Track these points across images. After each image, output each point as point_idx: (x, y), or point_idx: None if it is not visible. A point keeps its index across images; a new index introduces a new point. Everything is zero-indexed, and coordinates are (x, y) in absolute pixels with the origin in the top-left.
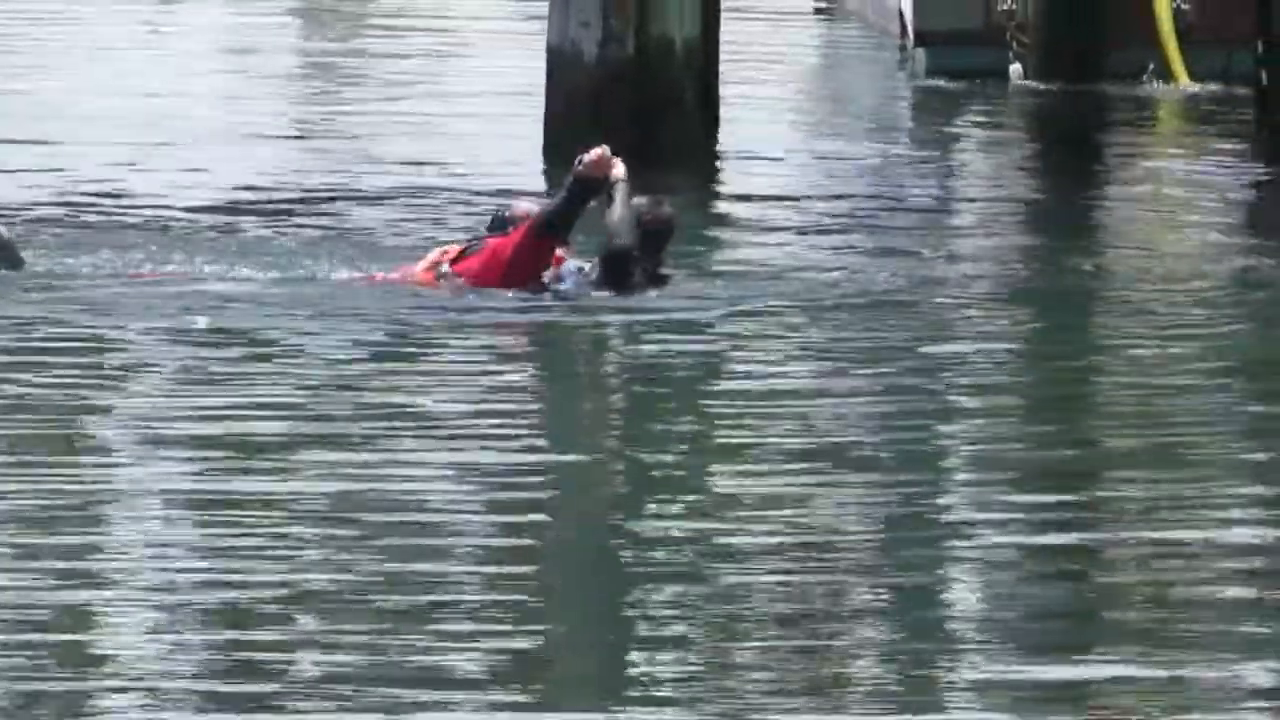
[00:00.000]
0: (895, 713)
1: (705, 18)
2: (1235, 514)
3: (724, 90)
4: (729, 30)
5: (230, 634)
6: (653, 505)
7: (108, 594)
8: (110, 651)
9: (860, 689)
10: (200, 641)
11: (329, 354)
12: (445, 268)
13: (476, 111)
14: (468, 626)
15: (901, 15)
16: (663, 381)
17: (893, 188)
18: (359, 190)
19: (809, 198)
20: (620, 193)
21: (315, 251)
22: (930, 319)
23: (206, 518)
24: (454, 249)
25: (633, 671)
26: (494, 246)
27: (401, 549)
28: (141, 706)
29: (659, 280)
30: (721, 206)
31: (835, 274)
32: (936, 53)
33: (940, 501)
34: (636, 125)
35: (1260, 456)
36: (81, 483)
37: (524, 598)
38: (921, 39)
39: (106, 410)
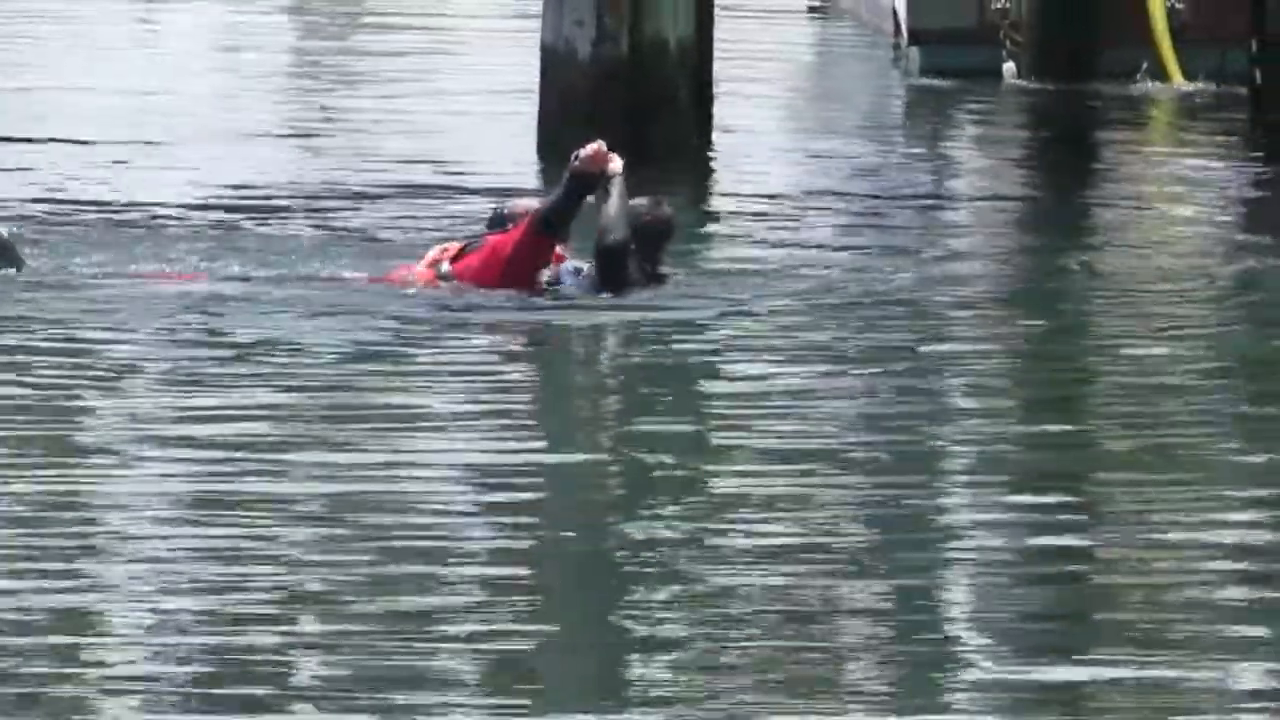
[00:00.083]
0: (892, 714)
1: (699, 16)
2: (1232, 516)
3: (718, 89)
4: (723, 29)
5: (226, 636)
6: (650, 506)
7: (103, 596)
8: (105, 653)
9: (857, 690)
10: (196, 644)
11: (328, 354)
12: (445, 266)
13: (470, 110)
14: (465, 628)
15: (895, 14)
16: (660, 382)
17: (887, 187)
18: (355, 189)
19: (803, 197)
20: (616, 188)
21: (314, 250)
22: (924, 319)
23: (203, 519)
24: (454, 247)
25: (630, 674)
26: (494, 244)
27: (399, 550)
28: (136, 709)
29: (658, 280)
30: (715, 205)
31: (830, 273)
32: (930, 51)
33: (936, 503)
34: (630, 124)
35: (1256, 458)
36: (77, 484)
37: (521, 599)
38: (915, 37)
39: (103, 411)
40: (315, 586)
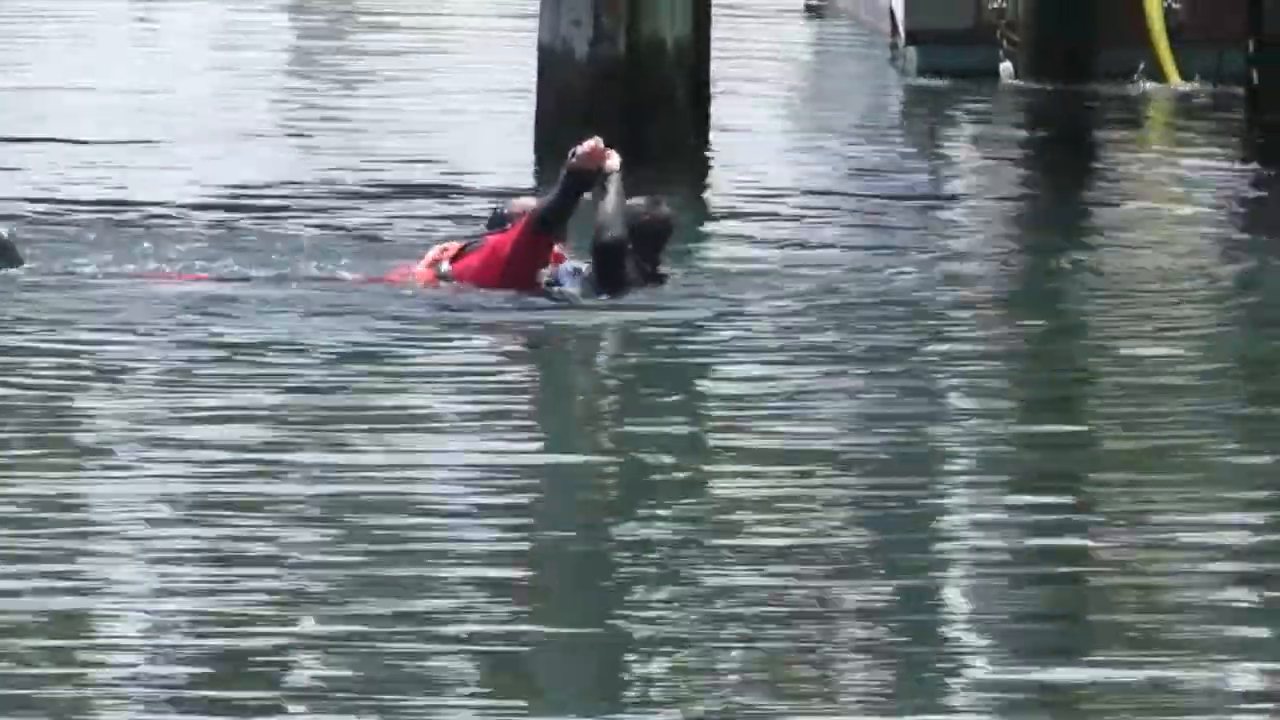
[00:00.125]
0: (890, 715)
1: (696, 16)
2: (1230, 516)
3: (715, 89)
4: (720, 29)
5: (223, 638)
6: (649, 507)
7: (99, 597)
8: (102, 655)
9: (855, 691)
10: (193, 646)
11: (327, 354)
12: (445, 266)
13: (468, 109)
14: (462, 629)
15: (892, 14)
16: (658, 382)
17: (884, 187)
18: (353, 189)
19: (800, 197)
20: (613, 185)
21: (312, 250)
22: (922, 319)
23: (200, 520)
24: (453, 247)
25: (629, 675)
26: (493, 244)
27: (398, 552)
28: (132, 711)
29: (657, 280)
30: (712, 205)
31: (827, 274)
32: (927, 51)
33: (935, 503)
34: (627, 124)
35: (1255, 459)
36: (72, 485)
37: (519, 600)
38: (912, 38)
39: (101, 411)
40: (313, 588)
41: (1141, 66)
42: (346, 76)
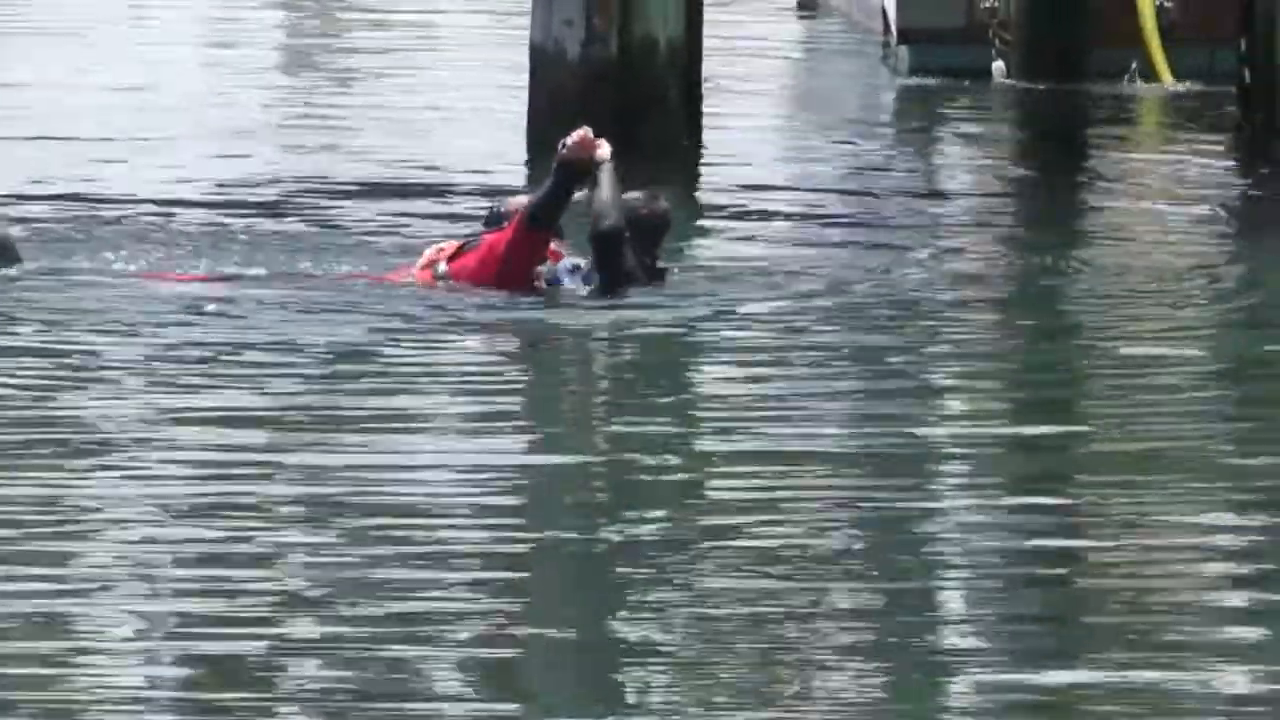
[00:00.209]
0: (880, 718)
1: (688, 16)
2: (1226, 518)
3: (707, 89)
4: (712, 28)
5: (215, 641)
6: (643, 509)
7: (89, 599)
8: (91, 658)
9: (847, 694)
10: (184, 649)
11: (323, 355)
12: (442, 266)
13: (460, 107)
14: (456, 632)
15: (884, 13)
16: (652, 382)
17: (876, 186)
18: (346, 188)
19: (793, 196)
20: (606, 175)
21: (308, 250)
22: (915, 319)
23: (194, 522)
24: (450, 247)
25: (623, 678)
26: (490, 243)
27: (391, 555)
28: (121, 716)
29: (656, 273)
30: (705, 205)
31: (819, 273)
32: (919, 50)
33: (930, 505)
34: (620, 124)
35: (1250, 460)
36: (64, 486)
37: (513, 603)
38: (904, 36)
39: (93, 411)
40: (305, 590)
41: (1134, 66)
42: (338, 74)
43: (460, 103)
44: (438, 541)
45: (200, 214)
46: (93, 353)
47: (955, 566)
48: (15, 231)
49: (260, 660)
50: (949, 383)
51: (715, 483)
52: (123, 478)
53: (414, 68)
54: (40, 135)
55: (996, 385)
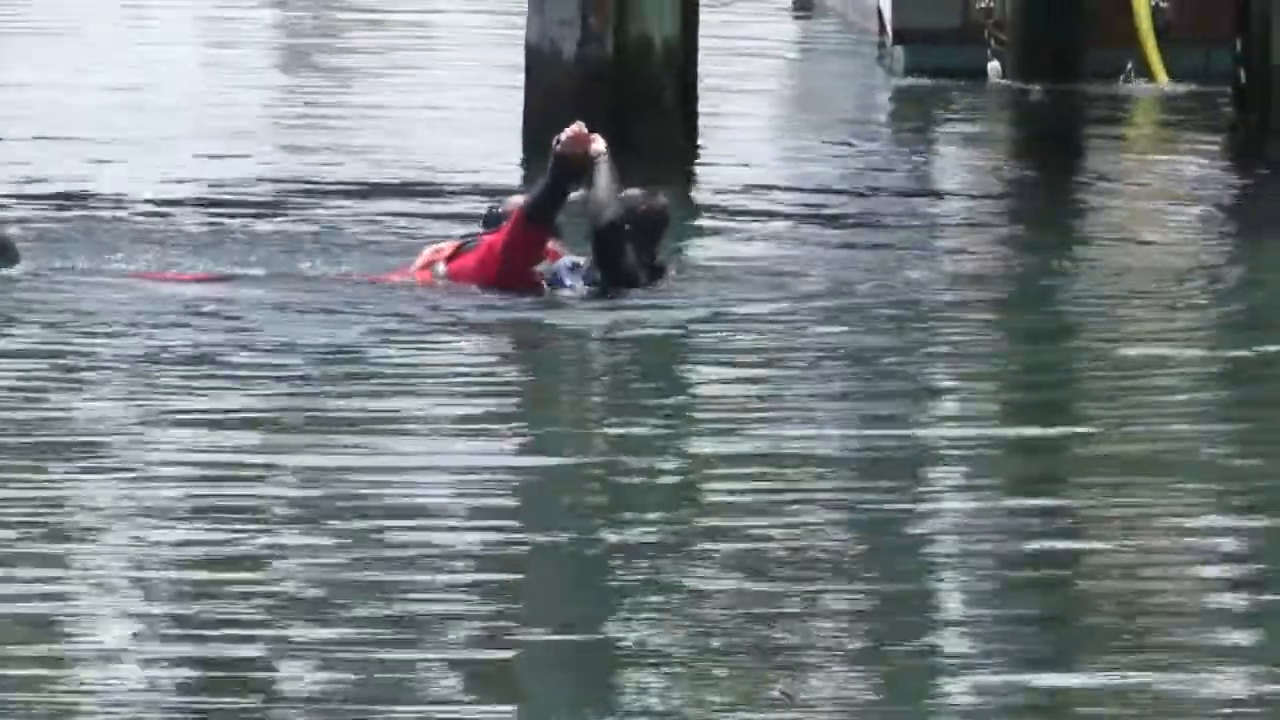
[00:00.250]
0: None
1: (684, 16)
2: (1221, 521)
3: (703, 89)
4: (708, 28)
5: (207, 644)
6: (639, 511)
7: (81, 602)
8: (82, 662)
9: (841, 697)
10: (176, 653)
11: (316, 355)
12: (441, 267)
13: (457, 107)
14: (449, 635)
15: (880, 13)
16: (649, 384)
17: (872, 187)
18: (342, 188)
19: (789, 197)
20: (602, 168)
21: (306, 250)
22: (910, 319)
23: (187, 524)
24: (448, 247)
25: (616, 681)
26: (488, 243)
27: (386, 558)
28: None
29: (656, 270)
30: (701, 205)
31: (815, 273)
32: (915, 51)
33: (923, 507)
34: (615, 124)
35: (1243, 462)
36: (57, 488)
37: (507, 606)
38: (900, 37)
39: (86, 412)
40: (301, 593)
41: (1129, 66)
42: (336, 74)
43: (458, 102)
44: (434, 544)
45: (197, 214)
46: (89, 353)
47: (953, 568)
48: (14, 231)
49: (255, 663)
50: (944, 384)
51: (712, 484)
52: (118, 479)
53: (411, 67)
54: (39, 135)
55: (992, 386)
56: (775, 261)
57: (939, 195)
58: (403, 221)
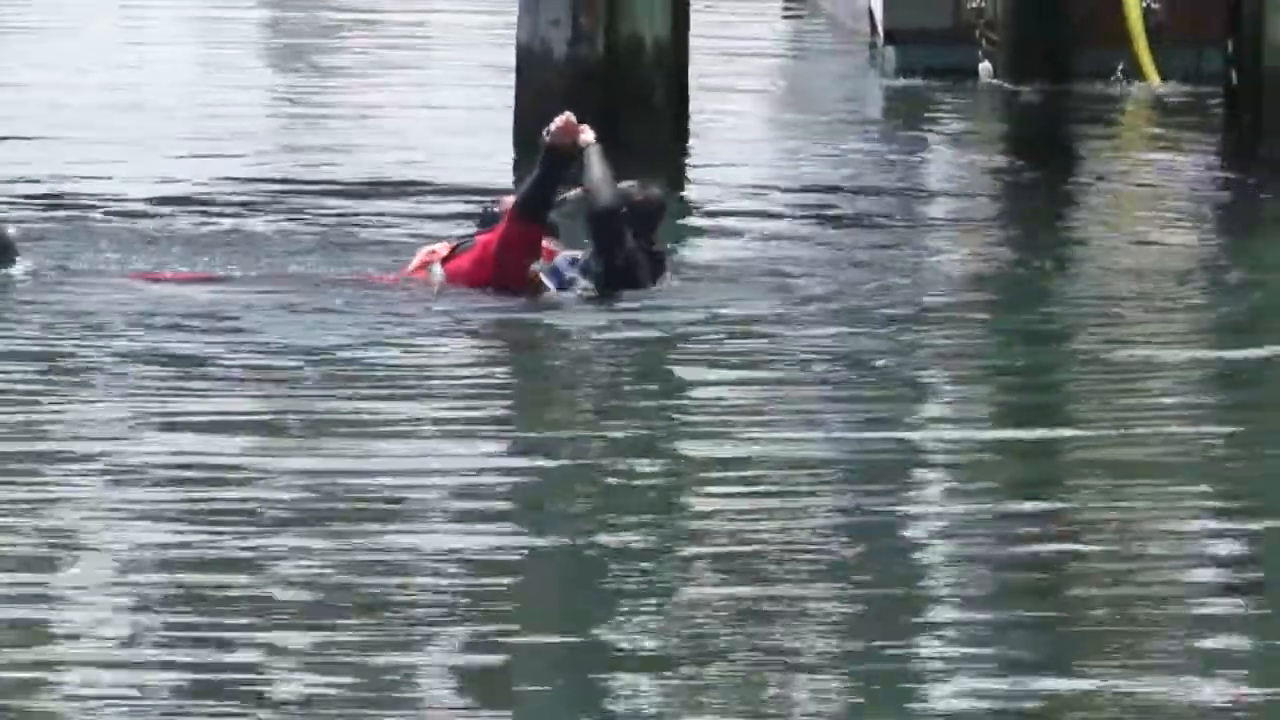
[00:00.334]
0: None
1: (675, 16)
2: (1215, 525)
3: (694, 89)
4: (698, 28)
5: (200, 649)
6: (635, 514)
7: (73, 606)
8: (75, 666)
9: (834, 701)
10: (169, 658)
11: (311, 357)
12: (437, 268)
13: (451, 106)
14: (444, 639)
15: (871, 13)
16: (644, 385)
17: (863, 187)
18: (337, 188)
19: (779, 196)
20: (594, 157)
21: (300, 251)
22: (902, 321)
23: (180, 527)
24: (443, 248)
25: (610, 685)
26: (484, 243)
27: (382, 561)
28: None
29: (656, 258)
30: (691, 205)
31: (806, 274)
32: (906, 51)
33: (918, 510)
34: (606, 124)
35: (1239, 466)
36: (47, 491)
37: (501, 609)
38: (891, 37)
39: (77, 415)
40: (294, 597)
41: (1120, 67)
42: (330, 73)
43: (452, 102)
44: (429, 547)
45: (192, 214)
46: (85, 354)
47: (949, 572)
48: (13, 231)
49: (249, 667)
50: (937, 385)
51: (706, 487)
52: (111, 481)
53: (406, 67)
54: (36, 135)
55: (985, 389)
56: (767, 262)
57: (930, 196)
58: (397, 221)
